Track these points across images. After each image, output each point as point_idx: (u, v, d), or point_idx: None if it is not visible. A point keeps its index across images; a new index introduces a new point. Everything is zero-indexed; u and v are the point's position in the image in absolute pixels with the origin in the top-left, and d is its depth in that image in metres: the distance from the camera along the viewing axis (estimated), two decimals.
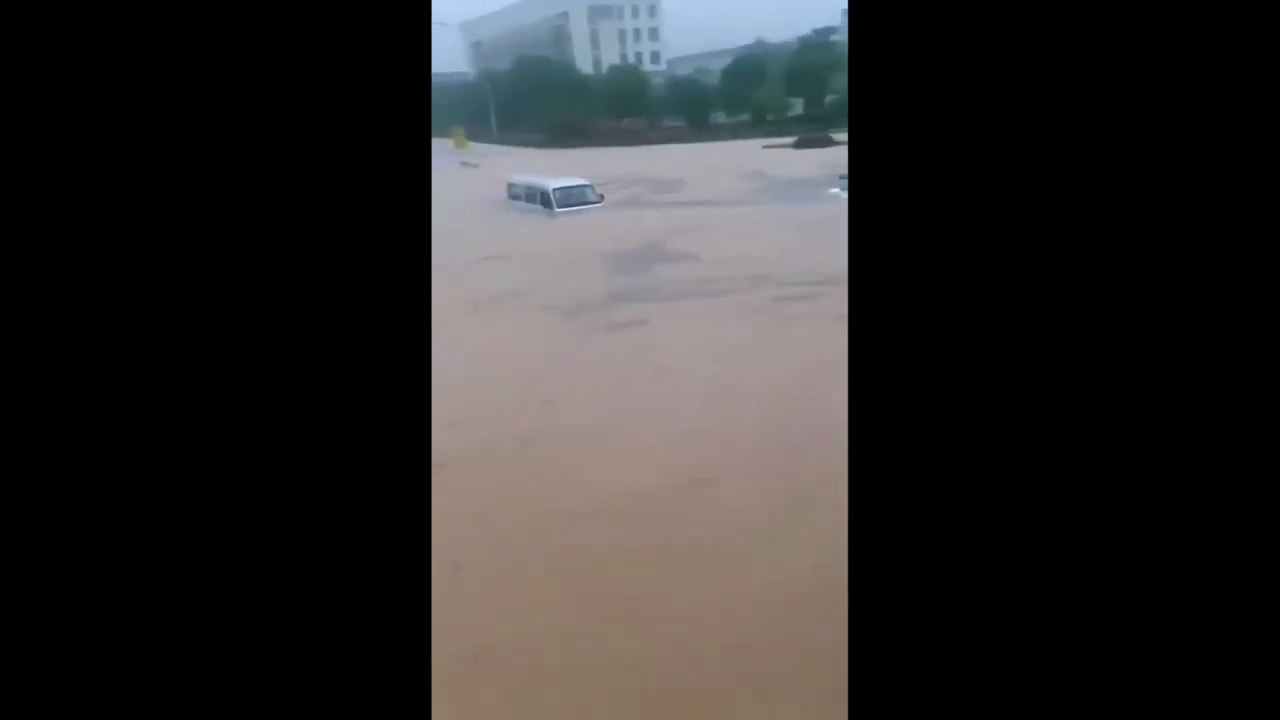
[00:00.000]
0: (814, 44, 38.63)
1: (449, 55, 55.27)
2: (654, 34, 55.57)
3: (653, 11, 55.53)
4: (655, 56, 53.80)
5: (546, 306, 8.64)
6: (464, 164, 26.28)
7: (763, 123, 33.91)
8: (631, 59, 50.23)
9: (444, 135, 33.42)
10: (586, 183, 15.91)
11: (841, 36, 43.41)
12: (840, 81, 34.42)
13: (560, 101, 37.27)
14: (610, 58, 49.09)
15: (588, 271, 10.20)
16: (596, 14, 53.04)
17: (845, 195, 14.07)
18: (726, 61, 38.76)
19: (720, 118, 36.76)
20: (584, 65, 45.68)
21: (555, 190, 15.14)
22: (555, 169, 19.24)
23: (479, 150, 33.84)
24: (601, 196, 15.64)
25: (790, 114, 34.53)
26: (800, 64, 35.70)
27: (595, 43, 52.35)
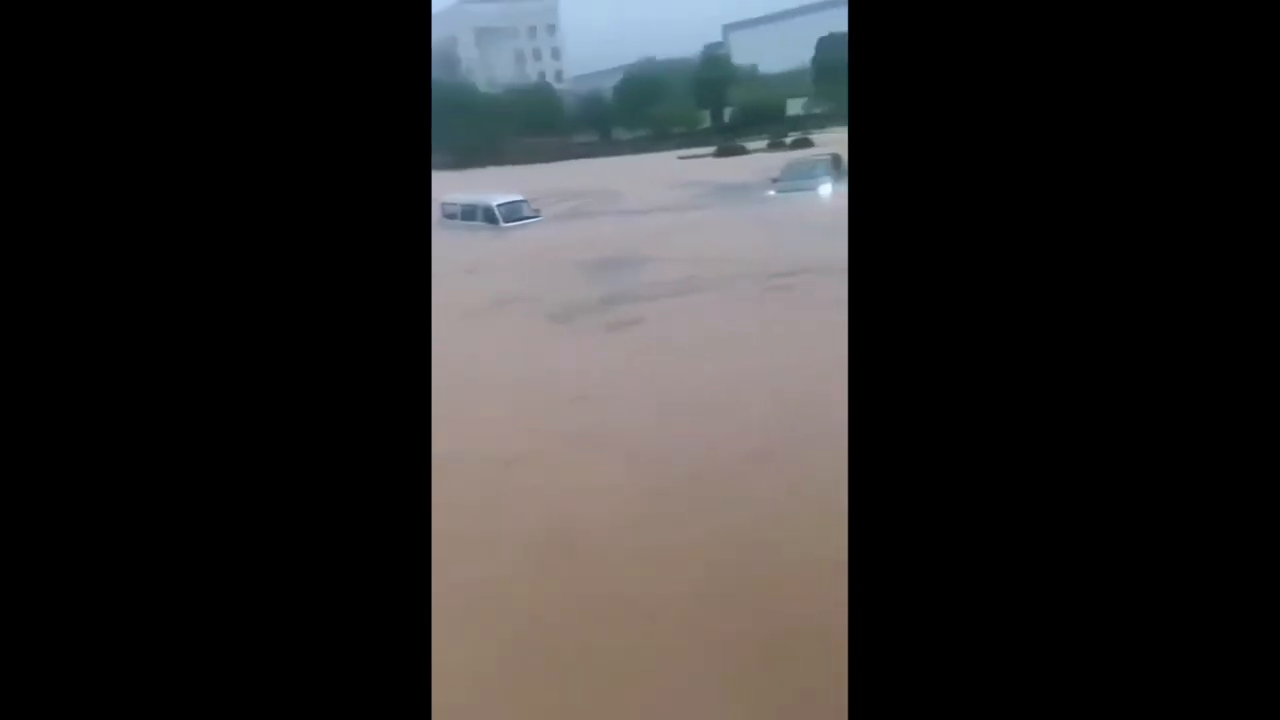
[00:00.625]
0: (713, 59, 40.23)
1: None
2: (555, 53, 56.21)
3: (551, 31, 56.16)
4: (559, 75, 54.32)
5: (543, 313, 8.77)
6: None
7: (670, 136, 34.97)
8: (533, 78, 50.47)
9: None
10: (522, 198, 16.07)
11: (726, 51, 45.42)
12: (736, 95, 36.11)
13: (466, 122, 36.96)
14: (506, 78, 49.07)
15: (569, 278, 10.40)
16: (484, 36, 53.01)
17: (780, 196, 15.08)
18: (622, 78, 39.73)
19: (626, 133, 37.60)
20: (479, 86, 45.51)
21: (499, 206, 15.21)
22: (478, 188, 19.10)
23: None
24: (538, 211, 15.83)
25: (699, 126, 35.85)
26: (702, 78, 37.14)
27: (486, 64, 52.24)
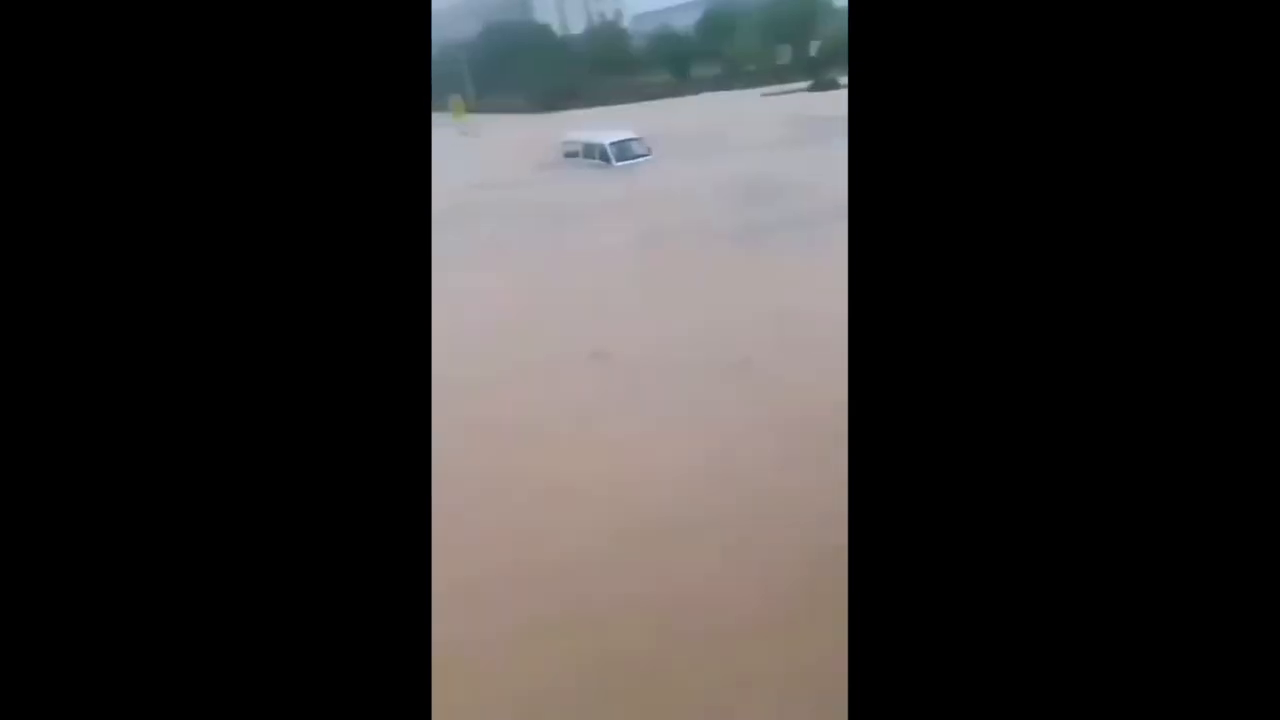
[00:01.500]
0: None
1: None
2: None
3: None
4: (618, 14, 53.30)
5: (717, 234, 9.12)
6: (463, 133, 25.89)
7: (744, 73, 34.21)
8: (595, 19, 49.64)
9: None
10: (634, 136, 16.28)
11: None
12: (821, 29, 34.92)
13: (538, 65, 36.77)
14: (577, 18, 48.41)
15: (723, 205, 10.69)
16: None
17: None
18: (690, 17, 38.78)
19: (701, 71, 36.87)
20: (553, 28, 45.04)
21: (611, 145, 15.50)
22: (560, 131, 19.18)
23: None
24: (649, 150, 16.02)
25: (777, 63, 34.94)
26: (782, 14, 35.99)
27: (560, 4, 51.46)
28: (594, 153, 15.79)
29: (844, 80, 26.59)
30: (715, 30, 36.34)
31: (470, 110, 38.09)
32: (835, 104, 21.46)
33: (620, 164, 15.14)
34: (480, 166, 17.80)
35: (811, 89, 26.95)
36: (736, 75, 34.39)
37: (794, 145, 15.65)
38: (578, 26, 45.02)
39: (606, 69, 36.97)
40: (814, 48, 35.39)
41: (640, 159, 15.62)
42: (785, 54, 35.88)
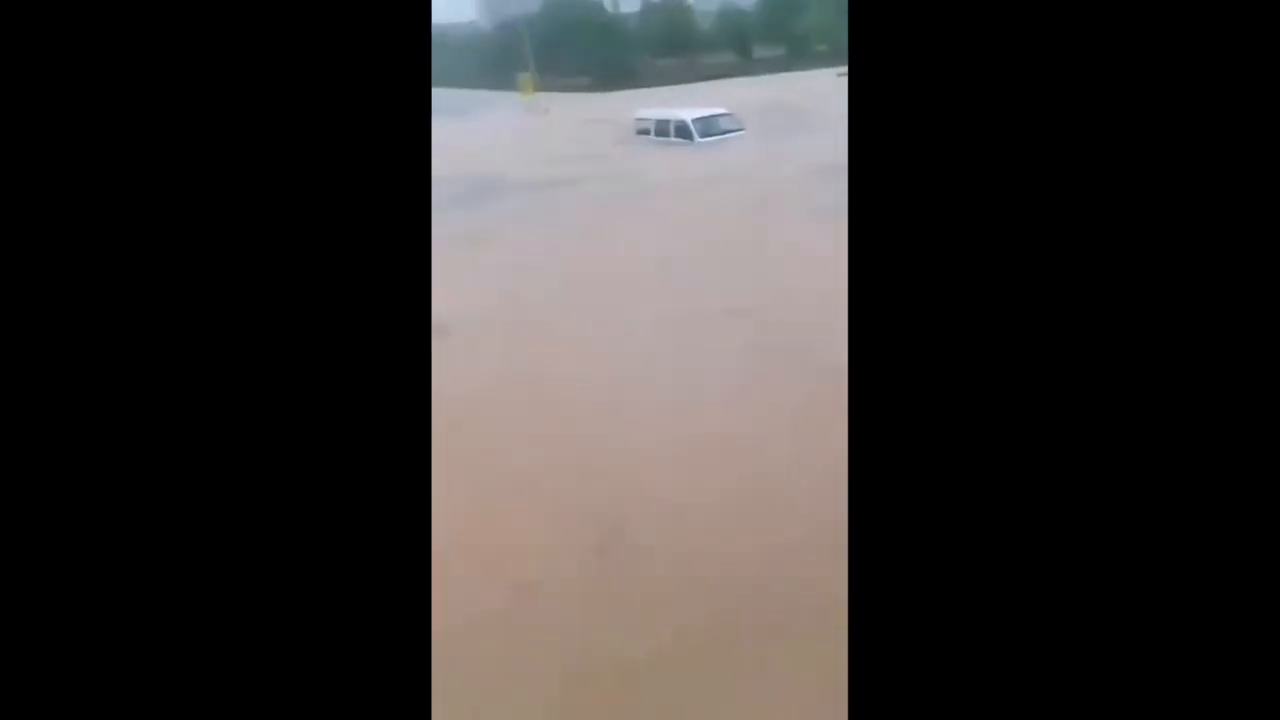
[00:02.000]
0: None
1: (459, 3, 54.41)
2: None
3: None
4: None
5: (815, 210, 9.10)
6: (544, 111, 26.08)
7: (809, 53, 33.71)
8: None
9: (469, 86, 33.19)
10: (726, 111, 16.04)
11: None
12: None
13: (600, 43, 36.80)
14: None
15: (825, 183, 10.60)
16: None
17: None
18: None
19: (766, 51, 36.46)
20: (605, 5, 44.97)
21: (695, 121, 15.35)
22: (630, 108, 19.13)
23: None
24: (741, 125, 15.74)
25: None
26: None
27: None
28: (668, 129, 15.61)
29: None
30: (784, 9, 35.82)
31: (536, 89, 38.62)
32: None
33: (705, 140, 14.97)
34: (565, 142, 17.98)
35: None
36: (803, 54, 33.91)
37: None
38: (636, 3, 44.76)
39: (672, 48, 36.81)
40: None
41: (730, 134, 15.35)
42: None
